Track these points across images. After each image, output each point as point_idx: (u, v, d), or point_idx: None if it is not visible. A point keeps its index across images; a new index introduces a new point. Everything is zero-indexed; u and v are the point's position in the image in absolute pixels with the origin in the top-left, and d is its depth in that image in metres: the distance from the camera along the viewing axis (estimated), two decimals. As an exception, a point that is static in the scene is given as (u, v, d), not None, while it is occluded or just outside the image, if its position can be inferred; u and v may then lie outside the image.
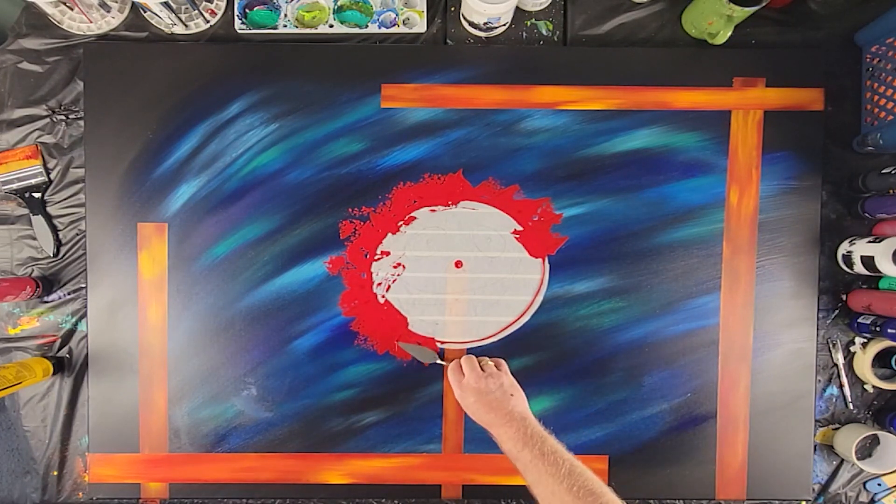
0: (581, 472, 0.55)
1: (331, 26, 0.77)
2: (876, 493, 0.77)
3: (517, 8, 0.76)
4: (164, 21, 0.75)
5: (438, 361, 0.75)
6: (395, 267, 0.77)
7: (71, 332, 0.78)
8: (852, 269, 0.75)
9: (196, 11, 0.75)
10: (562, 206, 0.77)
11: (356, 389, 0.77)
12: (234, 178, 0.76)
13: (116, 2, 0.76)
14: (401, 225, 0.77)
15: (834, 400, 0.78)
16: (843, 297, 0.77)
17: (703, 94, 0.76)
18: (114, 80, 0.76)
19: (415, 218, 0.77)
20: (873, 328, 0.73)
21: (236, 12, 0.77)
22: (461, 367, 0.71)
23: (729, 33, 0.71)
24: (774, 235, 0.76)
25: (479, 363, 0.71)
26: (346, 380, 0.76)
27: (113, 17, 0.77)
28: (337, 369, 0.76)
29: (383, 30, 0.77)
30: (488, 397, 0.66)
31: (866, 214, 0.76)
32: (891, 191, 0.73)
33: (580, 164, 0.76)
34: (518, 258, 0.77)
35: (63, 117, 0.77)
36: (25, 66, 0.77)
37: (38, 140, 0.78)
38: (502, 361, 0.73)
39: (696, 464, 0.76)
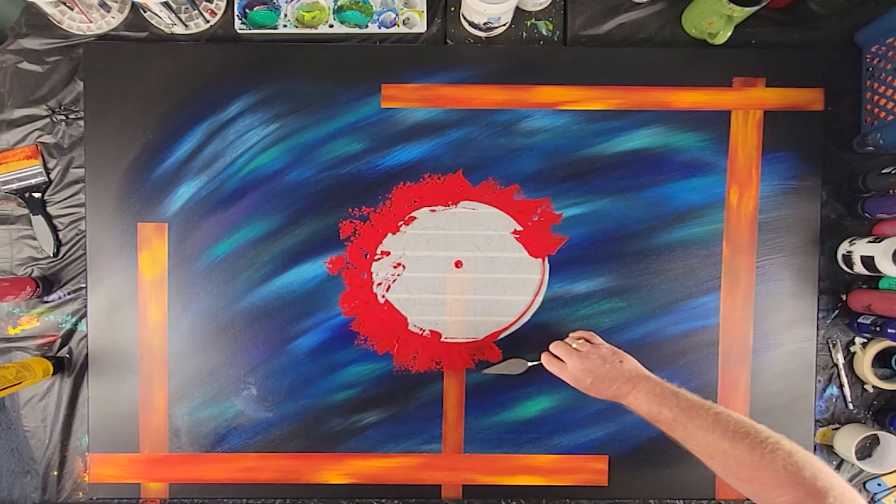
0: (727, 416, 0.53)
1: (331, 26, 0.77)
2: (876, 494, 0.77)
3: (517, 8, 0.76)
4: (164, 21, 0.75)
5: (530, 364, 0.73)
6: (395, 267, 0.77)
7: (71, 332, 0.78)
8: (852, 269, 0.75)
9: (196, 11, 0.75)
10: (562, 206, 0.77)
11: (356, 389, 0.77)
12: (234, 178, 0.76)
13: (116, 2, 0.76)
14: (401, 225, 0.77)
15: (834, 400, 0.78)
16: (843, 297, 0.77)
17: (703, 94, 0.76)
18: (114, 80, 0.76)
19: (415, 218, 0.77)
20: (873, 328, 0.73)
21: (236, 12, 0.77)
22: (557, 357, 0.68)
23: (729, 33, 0.71)
24: (774, 235, 0.76)
25: (571, 344, 0.67)
26: (346, 380, 0.76)
27: (113, 17, 0.77)
28: (337, 369, 0.76)
29: (383, 30, 0.77)
30: (601, 372, 0.63)
31: (866, 214, 0.76)
32: (891, 191, 0.73)
33: (580, 164, 0.76)
34: (518, 258, 0.77)
35: (63, 117, 0.77)
36: (25, 66, 0.77)
37: (38, 140, 0.78)
38: (591, 333, 0.69)
39: (696, 464, 0.75)
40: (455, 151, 0.76)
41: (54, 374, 0.76)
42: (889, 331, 0.71)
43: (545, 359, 0.69)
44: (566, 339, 0.69)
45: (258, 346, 0.76)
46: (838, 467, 0.78)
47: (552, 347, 0.69)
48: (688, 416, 0.55)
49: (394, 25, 0.77)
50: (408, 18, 0.78)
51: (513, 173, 0.76)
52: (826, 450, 0.78)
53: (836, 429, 0.77)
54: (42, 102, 0.77)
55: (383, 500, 0.78)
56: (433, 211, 0.77)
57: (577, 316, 0.76)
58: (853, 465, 0.75)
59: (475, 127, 0.76)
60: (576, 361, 0.65)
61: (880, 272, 0.70)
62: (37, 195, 0.77)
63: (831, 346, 0.77)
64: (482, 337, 0.77)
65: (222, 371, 0.76)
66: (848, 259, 0.74)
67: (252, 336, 0.76)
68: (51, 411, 0.77)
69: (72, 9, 0.75)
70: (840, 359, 0.77)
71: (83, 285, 0.77)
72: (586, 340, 0.68)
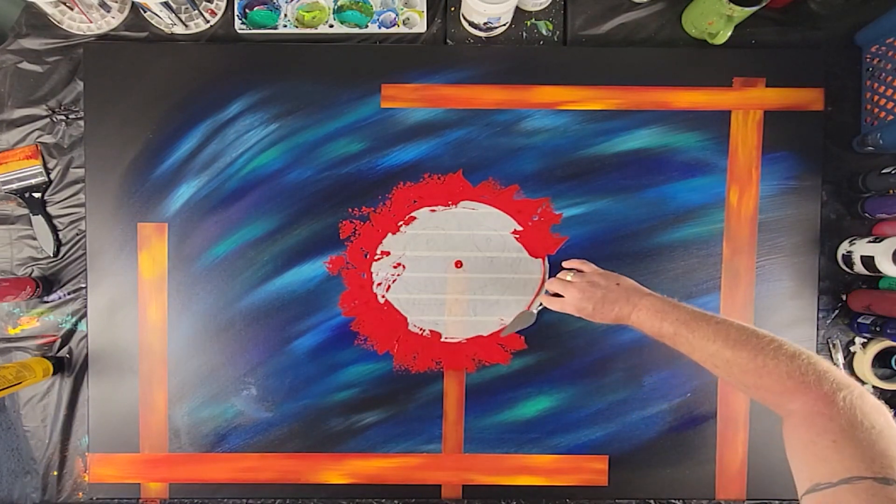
0: (728, 325, 0.51)
1: (331, 26, 0.77)
2: (876, 493, 0.77)
3: (517, 8, 0.76)
4: (164, 21, 0.75)
5: (536, 311, 0.72)
6: (395, 267, 0.77)
7: (71, 332, 0.78)
8: (852, 269, 0.75)
9: (196, 11, 0.75)
10: (562, 206, 0.77)
11: (356, 389, 0.77)
12: (234, 178, 0.76)
13: (116, 2, 0.76)
14: (401, 225, 0.77)
15: (834, 400, 0.78)
16: (843, 297, 0.77)
17: (703, 94, 0.76)
18: (114, 80, 0.76)
19: (415, 218, 0.77)
20: (873, 328, 0.73)
21: (236, 12, 0.77)
22: (555, 293, 0.67)
23: (729, 33, 0.71)
24: (774, 235, 0.76)
25: (565, 278, 0.67)
26: (346, 380, 0.76)
27: (113, 17, 0.77)
28: (337, 369, 0.76)
29: (383, 30, 0.77)
30: (599, 297, 0.62)
31: (866, 214, 0.76)
32: (891, 191, 0.73)
33: (580, 164, 0.76)
34: (518, 258, 0.77)
35: (63, 117, 0.77)
36: (25, 66, 0.77)
37: (38, 140, 0.78)
38: (581, 261, 0.68)
39: (696, 464, 0.76)
40: (455, 151, 0.76)
41: (54, 374, 0.76)
42: (889, 331, 0.70)
43: (545, 299, 0.68)
44: (559, 275, 0.68)
45: (258, 346, 0.76)
46: (838, 467, 0.77)
47: (547, 285, 0.68)
48: (689, 329, 0.53)
49: (394, 25, 0.77)
50: (408, 18, 0.78)
51: (513, 173, 0.76)
52: (826, 450, 0.77)
53: (836, 429, 0.77)
54: (42, 102, 0.77)
55: (383, 500, 0.78)
56: (433, 211, 0.77)
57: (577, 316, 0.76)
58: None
59: (475, 127, 0.76)
60: (573, 292, 0.64)
61: (880, 272, 0.70)
62: (37, 195, 0.77)
63: (831, 346, 0.77)
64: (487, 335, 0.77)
65: (222, 371, 0.76)
66: (848, 259, 0.74)
67: (252, 336, 0.76)
68: (51, 411, 0.77)
69: (72, 9, 0.75)
70: (840, 359, 0.77)
71: (83, 285, 0.77)
72: (577, 270, 0.67)
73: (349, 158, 0.76)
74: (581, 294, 0.63)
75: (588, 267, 0.67)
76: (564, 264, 0.70)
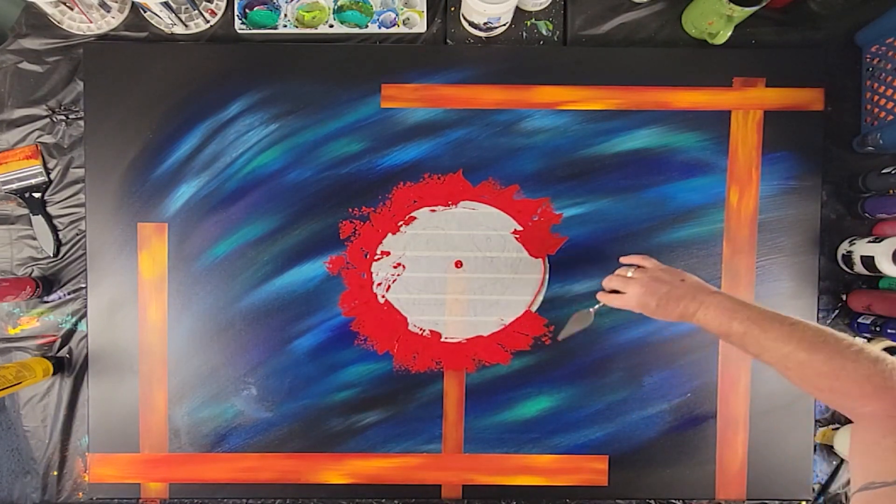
0: (804, 326, 0.49)
1: (331, 26, 0.77)
2: (876, 493, 0.77)
3: (517, 8, 0.76)
4: (164, 21, 0.75)
5: (594, 309, 0.67)
6: (395, 267, 0.77)
7: (71, 332, 0.78)
8: (852, 269, 0.75)
9: (196, 11, 0.75)
10: (562, 206, 0.77)
11: (356, 389, 0.77)
12: (234, 178, 0.76)
13: (116, 2, 0.76)
14: (401, 225, 0.77)
15: (834, 400, 0.78)
16: (843, 297, 0.77)
17: (703, 94, 0.76)
18: (114, 80, 0.76)
19: (415, 218, 0.77)
20: (873, 328, 0.73)
21: (236, 12, 0.77)
22: (617, 290, 0.64)
23: (729, 33, 0.71)
24: (774, 235, 0.76)
25: (625, 274, 0.64)
26: (346, 380, 0.76)
27: (113, 17, 0.77)
28: (337, 369, 0.76)
29: (383, 30, 0.77)
30: (664, 293, 0.59)
31: (866, 214, 0.76)
32: (891, 191, 0.73)
33: (580, 164, 0.76)
34: (518, 258, 0.77)
35: (63, 117, 0.77)
36: (25, 66, 0.77)
37: (38, 140, 0.78)
38: (643, 256, 0.65)
39: (696, 464, 0.76)
40: (455, 151, 0.76)
41: (54, 374, 0.76)
42: (889, 331, 0.70)
43: (603, 297, 0.65)
44: (617, 271, 0.65)
45: (258, 346, 0.76)
46: (838, 467, 0.78)
47: (605, 283, 0.65)
48: (761, 328, 0.51)
49: (394, 25, 0.77)
50: (408, 18, 0.78)
51: (513, 173, 0.76)
52: (826, 450, 0.78)
53: (836, 429, 0.77)
54: (42, 102, 0.77)
55: (383, 500, 0.78)
56: (433, 211, 0.77)
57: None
58: (853, 465, 0.75)
59: (475, 127, 0.76)
60: (636, 289, 0.61)
61: (880, 272, 0.70)
62: (37, 195, 0.77)
63: (831, 346, 0.77)
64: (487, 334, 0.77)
65: (222, 371, 0.76)
66: (848, 259, 0.74)
67: (252, 336, 0.76)
68: (51, 411, 0.77)
69: (72, 9, 0.75)
70: (840, 359, 0.77)
71: (83, 285, 0.77)
72: (638, 266, 0.64)
73: (349, 158, 0.76)
74: (644, 290, 0.61)
75: (650, 262, 0.64)
76: (623, 259, 0.67)
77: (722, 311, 0.55)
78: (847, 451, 0.73)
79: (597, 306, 0.66)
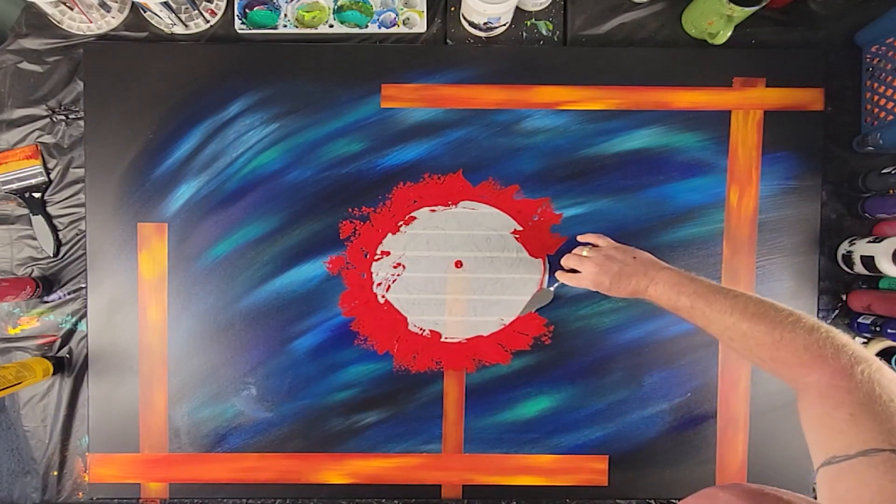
0: (746, 298, 0.51)
1: (331, 26, 0.77)
2: (876, 493, 0.77)
3: (517, 8, 0.76)
4: (164, 21, 0.75)
5: (553, 288, 0.73)
6: (395, 267, 0.77)
7: (71, 332, 0.78)
8: (852, 269, 0.75)
9: (196, 11, 0.75)
10: (562, 206, 0.77)
11: (356, 389, 0.77)
12: (234, 178, 0.76)
13: (116, 2, 0.76)
14: (401, 225, 0.77)
15: (834, 400, 0.78)
16: (843, 297, 0.77)
17: (703, 94, 0.76)
18: (114, 80, 0.76)
19: (415, 218, 0.77)
20: (873, 328, 0.73)
21: (236, 12, 0.77)
22: (572, 269, 0.67)
23: (729, 33, 0.71)
24: (774, 235, 0.76)
25: (580, 253, 0.67)
26: (346, 380, 0.76)
27: (113, 17, 0.77)
28: (337, 369, 0.76)
29: (383, 30, 0.77)
30: (616, 271, 0.62)
31: (866, 214, 0.76)
32: (891, 191, 0.73)
33: (580, 164, 0.76)
34: (518, 258, 0.77)
35: (63, 117, 0.77)
36: (25, 66, 0.77)
37: (38, 140, 0.78)
38: (597, 235, 0.68)
39: (696, 464, 0.76)
40: (455, 151, 0.76)
41: (54, 374, 0.76)
42: (889, 331, 0.70)
43: (561, 276, 0.68)
44: (574, 251, 0.68)
45: (258, 346, 0.76)
46: (838, 467, 0.78)
47: (563, 262, 0.68)
48: (706, 302, 0.53)
49: (394, 25, 0.77)
50: (408, 18, 0.78)
51: (513, 173, 0.76)
52: (826, 450, 0.77)
53: (836, 429, 0.77)
54: (42, 102, 0.77)
55: (383, 500, 0.78)
56: (433, 211, 0.77)
57: (576, 316, 0.76)
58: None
59: (475, 127, 0.76)
60: (590, 267, 0.64)
61: (880, 272, 0.70)
62: (37, 195, 0.77)
63: (831, 346, 0.77)
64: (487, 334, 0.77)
65: (222, 371, 0.76)
66: (848, 259, 0.74)
67: (252, 336, 0.76)
68: (51, 411, 0.77)
69: (72, 9, 0.75)
70: (840, 359, 0.77)
71: (83, 285, 0.77)
72: (592, 245, 0.67)
73: (349, 158, 0.76)
74: (598, 269, 0.63)
75: (603, 241, 0.66)
76: (579, 238, 0.69)
77: (670, 287, 0.57)
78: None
79: (556, 284, 0.70)
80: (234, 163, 0.76)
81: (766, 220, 0.76)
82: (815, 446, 0.40)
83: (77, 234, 0.78)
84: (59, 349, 0.78)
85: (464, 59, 0.76)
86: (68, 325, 0.78)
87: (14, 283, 0.73)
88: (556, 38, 0.78)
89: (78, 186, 0.77)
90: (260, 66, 0.76)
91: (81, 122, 0.77)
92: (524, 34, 0.78)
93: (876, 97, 0.75)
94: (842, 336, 0.44)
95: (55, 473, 0.78)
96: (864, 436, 0.36)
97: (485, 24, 0.74)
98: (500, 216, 0.77)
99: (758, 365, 0.49)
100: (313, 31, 0.77)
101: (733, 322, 0.50)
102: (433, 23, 0.78)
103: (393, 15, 0.77)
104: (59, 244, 0.77)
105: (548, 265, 0.77)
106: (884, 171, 0.72)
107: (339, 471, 0.77)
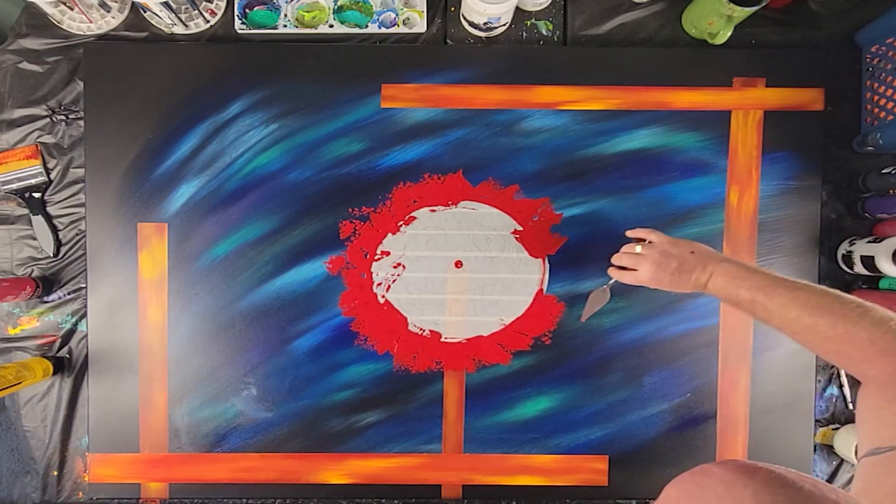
0: (809, 290, 0.49)
1: (331, 26, 0.77)
2: (876, 493, 0.77)
3: (517, 8, 0.76)
4: (164, 21, 0.75)
5: (609, 287, 0.70)
6: (395, 267, 0.77)
7: (71, 332, 0.78)
8: (852, 269, 0.75)
9: (196, 11, 0.75)
10: (562, 206, 0.77)
11: (356, 389, 0.77)
12: (234, 178, 0.76)
13: (116, 2, 0.76)
14: (401, 225, 0.77)
15: (834, 400, 0.78)
16: (843, 297, 0.77)
17: (703, 94, 0.76)
18: (114, 80, 0.76)
19: (415, 218, 0.77)
20: (873, 328, 0.73)
21: (236, 12, 0.77)
22: (630, 267, 0.64)
23: (729, 33, 0.71)
24: (774, 235, 0.76)
25: (633, 250, 0.64)
26: (346, 380, 0.76)
27: (113, 17, 0.77)
28: (337, 369, 0.76)
29: (383, 30, 0.77)
30: (675, 266, 0.60)
31: (866, 214, 0.76)
32: (891, 191, 0.73)
33: (580, 164, 0.76)
34: (518, 258, 0.77)
35: (63, 117, 0.77)
36: (25, 66, 0.77)
37: (38, 140, 0.78)
38: (649, 230, 0.65)
39: (695, 464, 0.75)
40: (455, 151, 0.76)
41: (54, 374, 0.76)
42: (889, 331, 0.70)
43: (616, 274, 0.66)
44: (625, 247, 0.66)
45: (258, 346, 0.76)
46: (838, 467, 0.78)
47: (616, 260, 0.66)
48: (767, 295, 0.52)
49: (394, 25, 0.77)
50: (408, 18, 0.78)
51: (513, 173, 0.76)
52: (826, 450, 0.78)
53: (836, 429, 0.77)
54: (42, 102, 0.77)
55: (383, 500, 0.78)
56: (433, 211, 0.77)
57: (576, 316, 0.76)
58: (853, 465, 0.75)
59: (475, 127, 0.76)
60: (647, 265, 0.62)
61: (880, 272, 0.70)
62: (37, 195, 0.77)
63: (831, 346, 0.77)
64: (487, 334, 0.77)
65: (222, 371, 0.76)
66: (848, 259, 0.74)
67: (252, 336, 0.76)
68: (51, 411, 0.77)
69: (72, 9, 0.75)
70: (840, 359, 0.77)
71: (83, 285, 0.77)
72: (642, 240, 0.65)
73: (349, 158, 0.76)
74: (656, 266, 0.61)
75: (656, 236, 0.64)
76: (630, 234, 0.67)
77: (729, 279, 0.56)
78: (846, 452, 0.73)
79: (611, 282, 0.68)
80: (235, 163, 0.76)
81: (766, 220, 0.76)
82: (862, 435, 0.40)
83: (77, 234, 0.78)
84: (59, 349, 0.78)
85: (464, 59, 0.76)
86: (68, 325, 0.78)
87: (14, 283, 0.73)
88: (556, 38, 0.78)
89: (78, 186, 0.77)
90: (260, 66, 0.76)
91: (81, 122, 0.77)
92: (524, 34, 0.78)
93: (876, 97, 0.75)
94: None
95: (55, 473, 0.78)
96: None
97: (485, 24, 0.74)
98: (500, 216, 0.77)
99: (823, 356, 0.49)
100: (313, 31, 0.77)
101: (796, 316, 0.49)
102: (433, 23, 0.78)
103: (393, 15, 0.77)
104: (59, 244, 0.77)
105: (548, 265, 0.77)
106: (884, 171, 0.72)
107: (339, 471, 0.77)
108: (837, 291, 0.48)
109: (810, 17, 0.77)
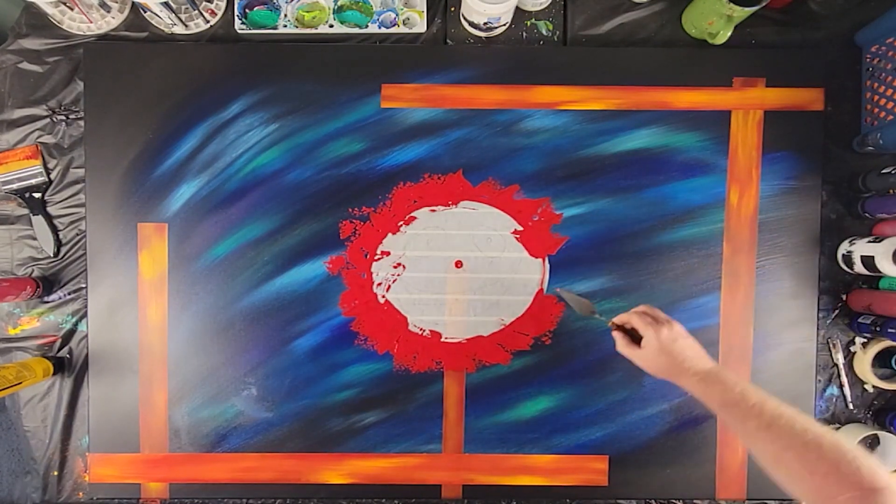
0: (774, 424, 0.52)
1: (331, 26, 0.77)
2: (876, 493, 0.77)
3: (517, 8, 0.76)
4: (164, 21, 0.75)
5: (597, 316, 0.68)
6: (395, 267, 0.77)
7: (71, 332, 0.78)
8: (852, 269, 0.75)
9: (196, 11, 0.75)
10: (562, 206, 0.77)
11: (356, 389, 0.77)
12: (234, 178, 0.76)
13: (116, 2, 0.76)
14: (401, 225, 0.77)
15: (834, 400, 0.78)
16: (843, 297, 0.77)
17: (703, 94, 0.76)
18: (114, 80, 0.76)
19: (415, 218, 0.77)
20: (873, 328, 0.73)
21: (236, 12, 0.77)
22: (631, 340, 0.64)
23: (729, 33, 0.71)
24: (774, 235, 0.76)
25: (644, 324, 0.62)
26: (346, 380, 0.76)
27: (113, 17, 0.77)
28: (337, 369, 0.76)
29: (383, 30, 0.77)
30: (664, 368, 0.61)
31: (866, 214, 0.76)
32: (891, 191, 0.73)
33: (580, 164, 0.76)
34: (518, 258, 0.77)
35: (63, 117, 0.77)
36: (25, 66, 0.77)
37: (38, 140, 0.78)
38: (652, 316, 0.63)
39: (696, 464, 0.76)
40: (455, 151, 0.76)
41: (54, 374, 0.76)
42: (889, 331, 0.70)
43: (618, 338, 0.65)
44: (644, 311, 0.64)
45: (258, 346, 0.76)
46: (838, 467, 0.78)
47: (626, 319, 0.64)
48: (729, 415, 0.55)
49: (394, 25, 0.77)
50: (408, 18, 0.78)
51: (513, 173, 0.76)
52: (826, 450, 0.77)
53: (837, 429, 0.77)
54: (42, 102, 0.77)
55: (383, 500, 0.78)
56: (433, 211, 0.77)
57: (577, 316, 0.76)
58: (853, 465, 0.75)
59: (475, 127, 0.76)
60: (649, 354, 0.62)
61: (880, 272, 0.70)
62: (37, 195, 0.77)
63: (831, 346, 0.77)
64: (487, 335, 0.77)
65: (222, 371, 0.76)
66: (848, 259, 0.74)
67: (252, 336, 0.76)
68: (51, 411, 0.77)
69: (72, 9, 0.75)
70: (840, 359, 0.77)
71: (83, 285, 0.77)
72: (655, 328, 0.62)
73: (349, 158, 0.76)
74: (653, 360, 0.61)
75: (673, 326, 0.62)
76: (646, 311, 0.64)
77: (701, 396, 0.58)
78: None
79: (597, 316, 0.68)
80: (235, 163, 0.76)
81: (767, 220, 0.76)
82: None
83: (77, 234, 0.78)
84: (60, 349, 0.78)
85: (464, 59, 0.76)
86: (68, 325, 0.78)
87: (14, 283, 0.73)
88: (556, 38, 0.78)
89: (78, 186, 0.77)
90: (260, 66, 0.76)
91: (81, 122, 0.77)
92: (524, 34, 0.78)
93: (876, 97, 0.75)
94: (867, 461, 0.45)
95: (55, 473, 0.78)
96: None
97: (485, 24, 0.74)
98: (500, 216, 0.77)
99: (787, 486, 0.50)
100: (313, 31, 0.77)
101: (754, 443, 0.52)
102: (433, 23, 0.78)
103: (393, 15, 0.77)
104: (59, 244, 0.77)
105: (548, 265, 0.77)
106: (884, 171, 0.72)
107: (339, 471, 0.77)
108: (805, 419, 0.52)
109: (810, 17, 0.77)
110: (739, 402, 0.54)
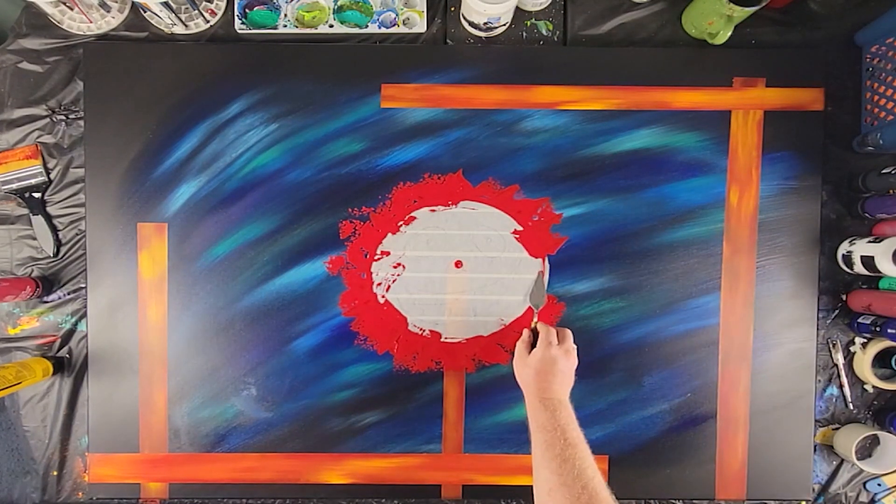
0: (574, 463, 0.55)
1: (331, 26, 0.77)
2: (876, 494, 0.77)
3: (517, 8, 0.76)
4: (164, 21, 0.75)
5: (535, 320, 0.72)
6: (395, 267, 0.77)
7: (71, 332, 0.78)
8: (852, 269, 0.75)
9: (196, 11, 0.75)
10: (562, 206, 0.77)
11: (356, 389, 0.77)
12: (234, 178, 0.76)
13: (116, 2, 0.76)
14: (401, 225, 0.77)
15: (834, 400, 0.78)
16: (843, 297, 0.77)
17: (703, 94, 0.76)
18: (114, 80, 0.76)
19: (415, 218, 0.77)
20: (873, 328, 0.73)
21: (236, 12, 0.77)
22: (528, 344, 0.69)
23: (729, 33, 0.71)
24: (774, 235, 0.76)
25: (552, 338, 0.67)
26: (346, 380, 0.76)
27: (113, 17, 0.77)
28: (337, 369, 0.76)
29: (383, 30, 0.77)
30: (531, 380, 0.65)
31: (866, 214, 0.76)
32: (891, 191, 0.73)
33: (580, 164, 0.76)
34: (518, 258, 0.77)
35: (63, 117, 0.77)
36: (25, 66, 0.77)
37: (38, 140, 0.78)
38: (562, 340, 0.67)
39: (696, 464, 0.76)
40: (455, 151, 0.76)
41: (54, 374, 0.76)
42: (889, 331, 0.70)
43: (522, 343, 0.70)
44: (552, 330, 0.68)
45: (258, 346, 0.76)
46: (838, 467, 0.78)
47: (535, 327, 0.70)
48: (539, 439, 0.59)
49: (394, 25, 0.77)
50: (408, 18, 0.78)
51: (513, 173, 0.76)
52: (826, 450, 0.78)
53: (836, 429, 0.77)
54: (42, 102, 0.77)
55: (383, 500, 0.78)
56: (433, 211, 0.77)
57: (576, 316, 0.76)
58: (853, 465, 0.75)
59: (475, 127, 0.76)
60: (535, 360, 0.66)
61: (880, 272, 0.70)
62: (37, 195, 0.77)
63: (831, 346, 0.77)
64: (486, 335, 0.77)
65: (222, 371, 0.76)
66: (848, 259, 0.74)
67: (252, 336, 0.76)
68: (51, 411, 0.77)
69: (72, 9, 0.75)
70: (840, 359, 0.77)
71: (83, 285, 0.77)
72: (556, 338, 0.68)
73: (349, 158, 0.76)
74: (535, 367, 0.65)
75: (564, 345, 0.67)
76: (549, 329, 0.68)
77: (530, 415, 0.62)
78: (846, 452, 0.73)
79: (535, 321, 0.72)
80: (234, 163, 0.76)
81: (766, 220, 0.76)
82: None
83: (77, 234, 0.78)
84: (59, 349, 0.78)
85: (464, 59, 0.76)
86: (68, 325, 0.78)
87: (14, 283, 0.73)
88: (556, 38, 0.78)
89: (78, 186, 0.77)
90: (260, 66, 0.76)
91: (81, 122, 0.77)
92: (524, 34, 0.78)
93: (876, 97, 0.75)
94: None
95: (55, 473, 0.78)
96: None
97: (485, 24, 0.74)
98: (500, 216, 0.77)
99: None
100: (313, 31, 0.77)
101: (545, 476, 0.55)
102: (433, 23, 0.78)
103: (393, 15, 0.77)
104: (59, 244, 0.77)
105: (548, 265, 0.77)
106: (884, 171, 0.72)
107: (338, 471, 0.77)
108: (592, 476, 0.54)
109: (810, 17, 0.77)
110: (555, 431, 0.58)
